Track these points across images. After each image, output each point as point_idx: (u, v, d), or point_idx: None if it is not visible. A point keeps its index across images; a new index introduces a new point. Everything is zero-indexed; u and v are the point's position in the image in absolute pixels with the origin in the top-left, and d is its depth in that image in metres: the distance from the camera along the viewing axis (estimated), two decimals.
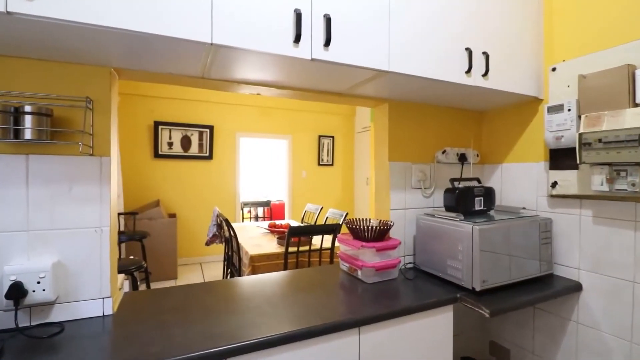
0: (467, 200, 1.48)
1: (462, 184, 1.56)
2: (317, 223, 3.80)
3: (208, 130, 4.83)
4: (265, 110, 5.25)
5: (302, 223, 3.95)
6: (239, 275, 2.72)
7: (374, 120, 1.76)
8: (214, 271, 4.44)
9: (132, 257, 2.97)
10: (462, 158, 1.77)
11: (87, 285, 1.07)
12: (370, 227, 1.43)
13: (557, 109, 1.44)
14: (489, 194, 1.54)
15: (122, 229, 3.67)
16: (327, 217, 3.57)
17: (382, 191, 1.66)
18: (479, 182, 1.65)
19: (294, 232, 2.31)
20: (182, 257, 4.72)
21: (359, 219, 1.59)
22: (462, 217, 1.39)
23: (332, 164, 5.80)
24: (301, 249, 2.46)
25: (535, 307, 1.62)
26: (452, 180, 1.55)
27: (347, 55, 1.10)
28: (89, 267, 1.07)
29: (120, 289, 1.73)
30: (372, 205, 4.84)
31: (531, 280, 1.43)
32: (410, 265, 1.65)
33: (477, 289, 1.26)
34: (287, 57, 1.02)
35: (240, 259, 2.73)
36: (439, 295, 1.28)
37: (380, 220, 1.56)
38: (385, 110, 1.63)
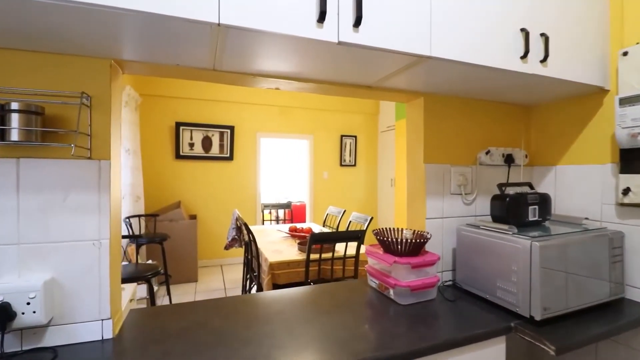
0: (520, 209, 1.26)
1: (511, 190, 1.34)
2: (340, 227, 3.62)
3: (229, 131, 4.77)
4: (285, 109, 5.13)
5: (323, 227, 3.79)
6: (259, 281, 2.59)
7: (406, 118, 1.56)
8: (234, 274, 4.36)
9: (150, 261, 2.91)
10: (509, 159, 1.54)
11: (84, 306, 0.95)
12: (404, 240, 1.24)
13: (632, 100, 1.20)
14: (544, 202, 1.31)
15: (142, 231, 3.64)
16: (350, 221, 3.39)
17: (417, 197, 1.46)
18: (531, 187, 1.42)
19: (316, 239, 2.15)
20: (203, 259, 4.67)
21: (390, 229, 1.40)
22: (516, 230, 1.17)
23: (354, 165, 5.60)
24: (324, 256, 2.29)
25: None
26: (501, 185, 1.34)
27: (381, 37, 0.91)
28: (86, 286, 0.95)
29: (131, 299, 1.63)
30: (398, 208, 4.61)
31: (599, 307, 1.19)
32: (450, 283, 1.44)
33: (537, 318, 1.05)
34: (310, 40, 0.85)
35: (259, 265, 2.60)
36: (489, 324, 1.08)
37: (415, 231, 1.37)
38: (419, 105, 1.44)
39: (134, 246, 2.73)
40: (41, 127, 0.86)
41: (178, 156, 4.53)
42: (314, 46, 0.90)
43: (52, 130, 0.90)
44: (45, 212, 0.91)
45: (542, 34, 1.15)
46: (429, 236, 1.28)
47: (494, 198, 1.32)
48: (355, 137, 5.59)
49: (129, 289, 1.63)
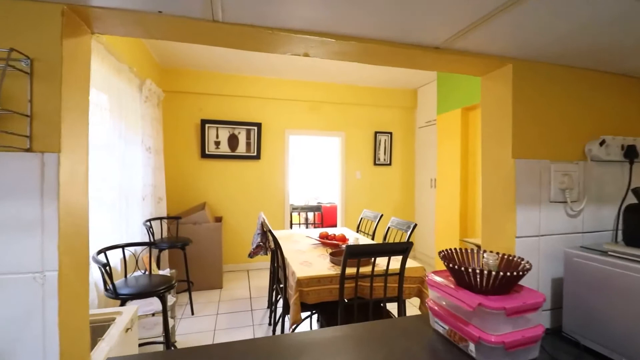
0: None
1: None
2: (377, 234, 3.22)
3: (256, 128, 4.50)
4: (315, 104, 4.78)
5: (357, 232, 3.40)
6: (285, 295, 2.25)
7: (483, 97, 1.14)
8: (261, 280, 4.08)
9: (168, 270, 2.67)
10: (631, 153, 1.08)
11: None
12: (493, 274, 0.83)
13: None
14: None
15: (164, 234, 3.44)
16: (388, 228, 2.97)
17: (500, 207, 1.04)
18: None
19: (353, 252, 1.78)
20: (228, 264, 4.44)
21: (463, 251, 1.00)
22: None
23: (389, 164, 5.15)
24: (361, 270, 1.91)
25: None
26: (638, 190, 0.89)
27: None
28: (21, 341, 0.64)
29: (127, 329, 1.34)
30: (440, 213, 4.12)
31: None
32: (551, 331, 1.01)
33: None
34: None
35: (286, 278, 2.26)
36: None
37: (503, 257, 0.96)
38: (506, 77, 1.02)
39: (148, 254, 2.51)
40: None
41: (204, 155, 4.33)
42: None
43: None
44: None
45: None
46: (528, 266, 0.87)
47: (631, 210, 0.88)
48: (391, 133, 5.14)
49: (128, 313, 1.34)
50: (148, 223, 3.03)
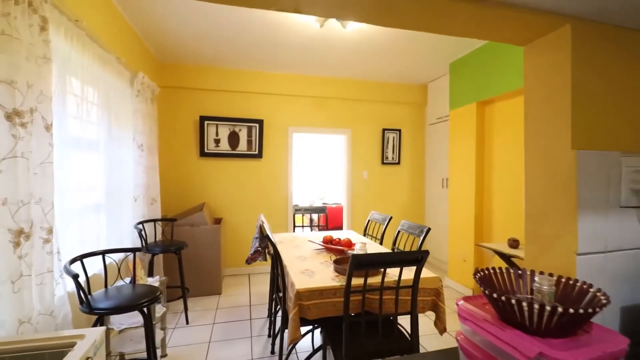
0: None
1: None
2: (385, 238, 2.97)
3: (257, 125, 4.29)
4: (320, 100, 4.55)
5: (364, 236, 3.16)
6: (284, 305, 2.02)
7: (526, 71, 0.90)
8: (263, 286, 3.86)
9: (158, 278, 2.46)
10: None
11: None
12: (562, 313, 0.59)
13: None
14: None
15: (159, 237, 3.24)
16: (398, 231, 2.73)
17: (553, 213, 0.80)
18: None
19: (361, 263, 1.54)
20: (229, 268, 4.24)
21: (507, 271, 0.76)
22: None
23: (398, 163, 4.90)
24: (370, 281, 1.68)
25: None
26: None
27: None
28: None
29: (88, 358, 1.12)
30: (454, 215, 3.85)
31: None
32: None
33: None
34: None
35: (285, 287, 2.04)
36: None
37: (562, 280, 0.72)
38: (562, 40, 0.77)
39: (136, 260, 2.30)
40: None
41: (203, 154, 4.13)
42: None
43: None
44: None
45: None
46: (603, 299, 0.63)
47: None
48: (399, 131, 4.88)
49: (91, 336, 1.13)
50: (140, 226, 2.83)
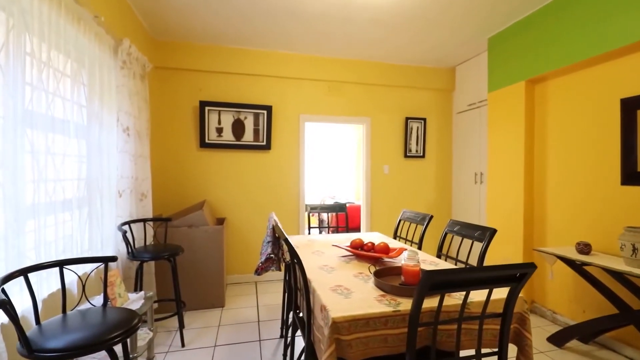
0: None
1: None
2: (425, 241, 2.43)
3: (265, 112, 3.77)
4: (336, 85, 4.03)
5: (395, 238, 2.63)
6: (309, 338, 1.49)
7: None
8: (272, 297, 3.33)
9: (142, 294, 1.94)
10: None
11: None
12: None
13: None
14: None
15: (150, 241, 2.73)
16: (445, 233, 2.19)
17: None
18: None
19: (437, 284, 1.01)
20: (233, 275, 3.72)
21: None
22: None
23: (422, 156, 4.36)
24: (430, 304, 1.15)
25: None
26: None
27: None
28: None
29: None
30: (493, 215, 3.30)
31: None
32: None
33: None
34: None
35: (310, 309, 1.50)
36: None
37: None
38: None
39: (116, 270, 1.77)
40: None
41: (203, 144, 3.62)
42: None
43: None
44: None
45: None
46: None
47: None
48: (424, 120, 4.34)
49: None
50: (126, 227, 2.32)
